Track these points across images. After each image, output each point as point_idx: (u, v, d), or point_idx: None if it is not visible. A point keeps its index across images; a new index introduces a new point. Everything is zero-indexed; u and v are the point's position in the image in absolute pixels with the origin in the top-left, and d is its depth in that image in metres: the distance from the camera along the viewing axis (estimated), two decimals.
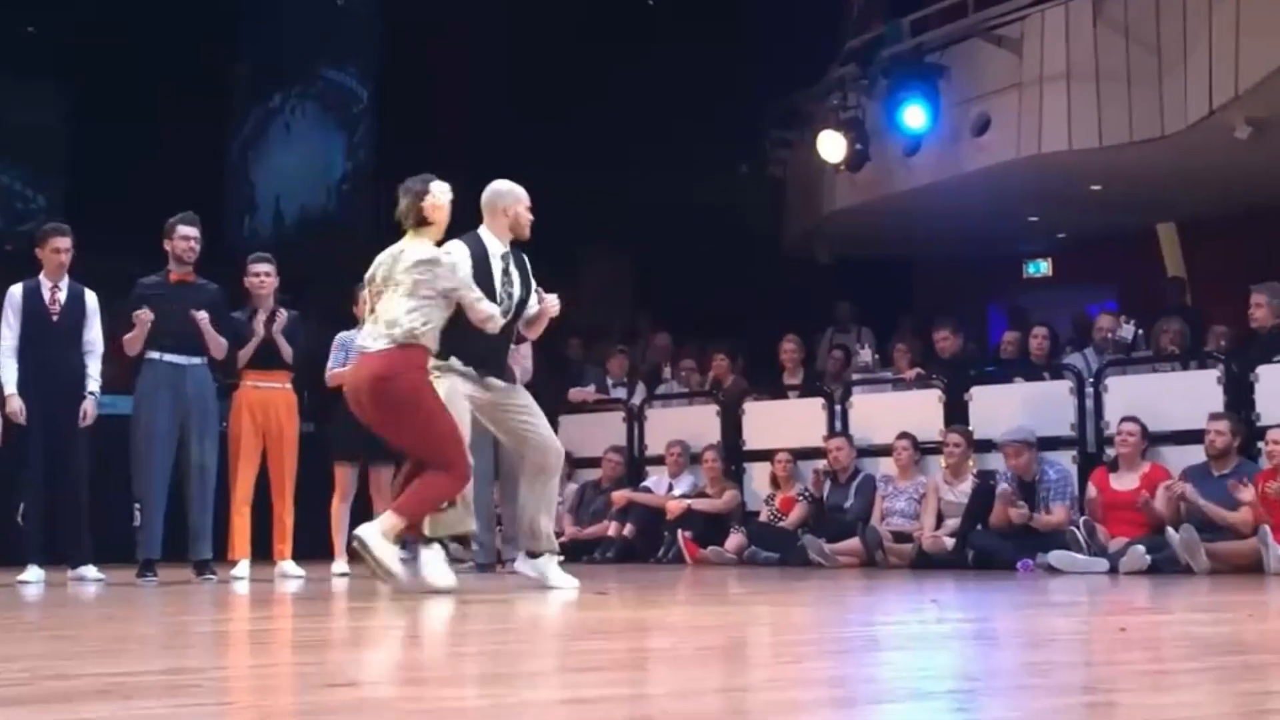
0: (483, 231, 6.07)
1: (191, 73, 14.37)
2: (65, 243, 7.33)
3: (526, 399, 6.24)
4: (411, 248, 5.70)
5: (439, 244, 5.87)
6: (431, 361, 5.80)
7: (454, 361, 5.93)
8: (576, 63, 12.85)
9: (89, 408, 7.30)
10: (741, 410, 10.03)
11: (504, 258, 6.03)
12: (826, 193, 11.97)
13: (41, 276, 7.34)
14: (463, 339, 5.85)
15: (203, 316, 7.30)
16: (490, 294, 5.87)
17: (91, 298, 7.41)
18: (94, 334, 7.36)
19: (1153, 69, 9.58)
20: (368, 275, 5.82)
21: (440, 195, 5.77)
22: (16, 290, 7.31)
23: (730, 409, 10.08)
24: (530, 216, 6.14)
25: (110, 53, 13.96)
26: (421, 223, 5.73)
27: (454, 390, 5.90)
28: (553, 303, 6.21)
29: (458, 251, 5.91)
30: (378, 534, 5.45)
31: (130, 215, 9.96)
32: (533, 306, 6.22)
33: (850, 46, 11.41)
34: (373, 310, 5.78)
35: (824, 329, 12.28)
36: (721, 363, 10.67)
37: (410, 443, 5.75)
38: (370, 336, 5.68)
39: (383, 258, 5.77)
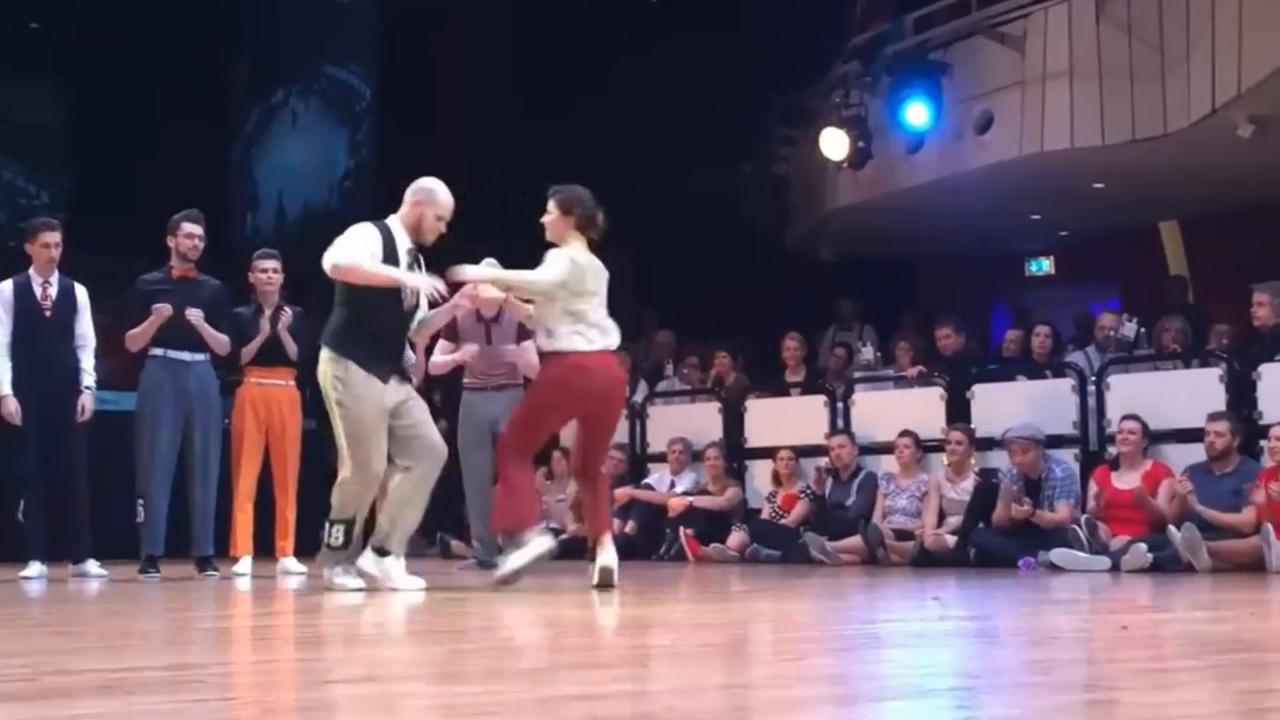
0: (392, 221, 5.91)
1: (192, 71, 14.37)
2: (55, 237, 7.32)
3: (418, 398, 6.10)
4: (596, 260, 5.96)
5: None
6: (338, 369, 5.78)
7: (352, 367, 5.78)
8: (578, 59, 12.85)
9: (86, 402, 7.31)
10: (743, 408, 10.04)
11: (410, 253, 5.89)
12: (829, 190, 11.98)
13: (31, 272, 7.33)
14: (362, 340, 5.80)
15: (195, 314, 7.28)
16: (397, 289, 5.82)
17: (82, 292, 7.41)
18: (85, 328, 7.37)
19: (1155, 67, 9.58)
20: (570, 276, 5.79)
21: None
22: (7, 286, 7.29)
23: (732, 406, 10.09)
24: (439, 228, 5.91)
25: (111, 52, 13.96)
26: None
27: (369, 397, 5.81)
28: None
29: (368, 233, 5.79)
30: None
31: (133, 213, 9.97)
32: (423, 310, 6.08)
33: (853, 44, 11.41)
34: (574, 314, 5.81)
35: (826, 327, 12.28)
36: (724, 360, 10.68)
37: (606, 443, 6.31)
38: (606, 335, 5.87)
39: (582, 264, 5.85)
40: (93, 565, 7.27)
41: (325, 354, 5.87)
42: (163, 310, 7.22)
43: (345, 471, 5.84)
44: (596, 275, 5.92)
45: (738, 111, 12.61)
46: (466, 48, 14.01)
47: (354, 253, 5.73)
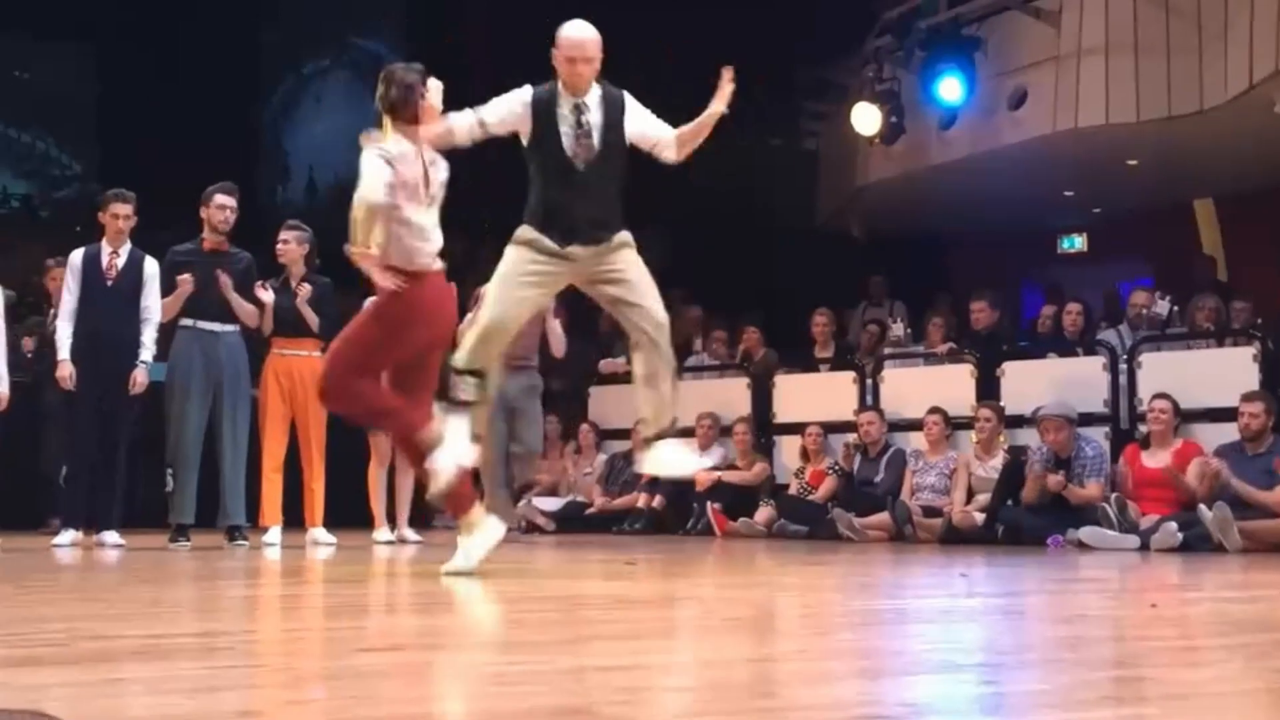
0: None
1: (222, 41, 14.37)
2: (124, 209, 7.43)
3: None
4: None
5: None
6: None
7: None
8: (608, 31, 12.79)
9: (138, 376, 7.34)
10: (772, 383, 10.03)
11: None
12: (860, 166, 11.92)
13: (103, 242, 7.45)
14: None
15: (225, 281, 7.35)
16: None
17: (151, 264, 7.48)
18: (150, 300, 7.42)
19: (1192, 42, 9.48)
20: None
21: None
22: (78, 255, 7.45)
23: (761, 382, 10.08)
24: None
25: (141, 21, 13.99)
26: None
27: None
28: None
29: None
30: None
31: (163, 183, 10.02)
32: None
33: (886, 18, 11.34)
34: None
35: (855, 303, 12.25)
36: (752, 335, 10.66)
37: None
38: None
39: None
40: (111, 536, 7.32)
41: None
42: (185, 282, 7.27)
43: None
44: None
45: (769, 85, 12.55)
46: (495, 19, 13.99)
47: None
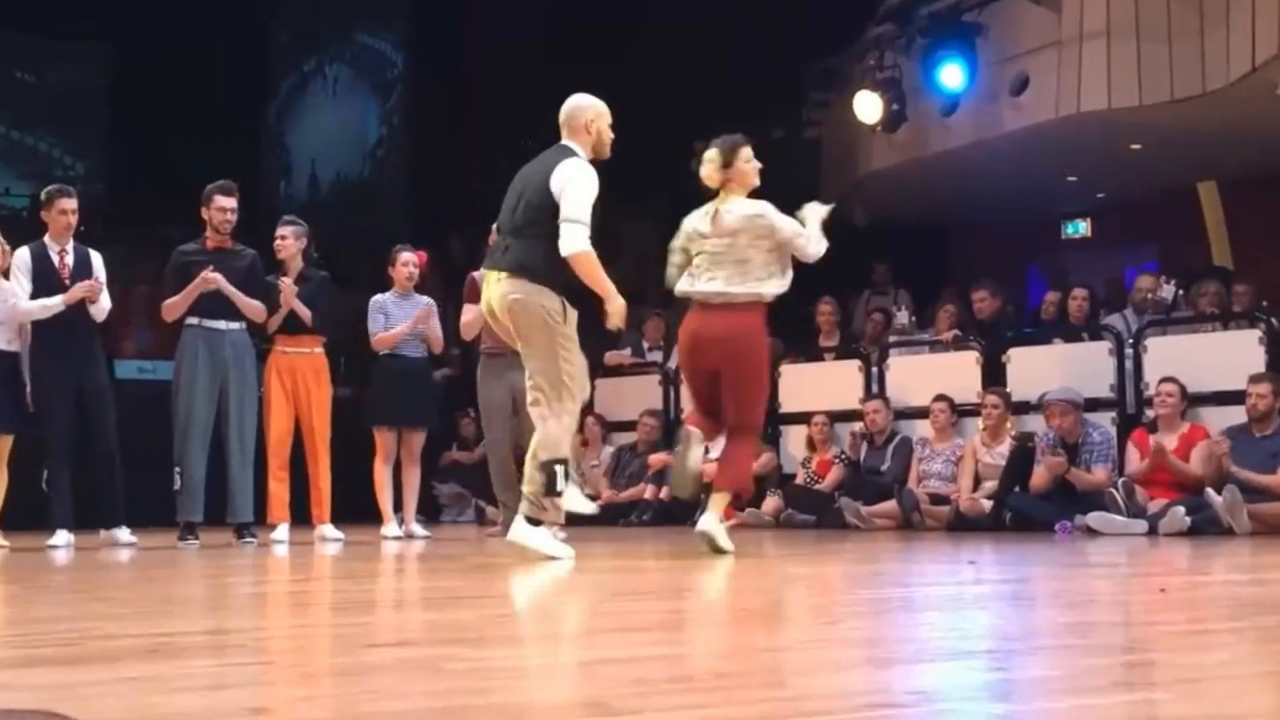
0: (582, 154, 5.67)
1: (228, 38, 14.35)
2: (71, 204, 7.36)
3: None
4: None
5: None
6: (552, 301, 5.54)
7: (560, 300, 5.60)
8: (610, 23, 12.78)
9: (103, 301, 7.28)
10: (777, 373, 10.01)
11: None
12: (863, 154, 11.90)
13: (47, 239, 7.36)
14: (562, 274, 5.56)
15: (215, 277, 7.31)
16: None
17: (98, 258, 7.45)
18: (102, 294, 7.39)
19: (1194, 25, 9.45)
20: None
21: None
22: (24, 252, 7.31)
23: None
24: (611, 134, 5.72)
25: (147, 18, 13.97)
26: None
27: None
28: None
29: (594, 181, 5.68)
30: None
31: (169, 181, 10.03)
32: None
33: (888, 5, 11.31)
34: None
35: (860, 291, 12.24)
36: None
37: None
38: None
39: None
40: (124, 533, 7.30)
41: (532, 286, 5.50)
42: (210, 278, 7.24)
43: (568, 406, 5.51)
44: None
45: (770, 74, 12.53)
46: (498, 15, 13.97)
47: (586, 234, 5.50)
